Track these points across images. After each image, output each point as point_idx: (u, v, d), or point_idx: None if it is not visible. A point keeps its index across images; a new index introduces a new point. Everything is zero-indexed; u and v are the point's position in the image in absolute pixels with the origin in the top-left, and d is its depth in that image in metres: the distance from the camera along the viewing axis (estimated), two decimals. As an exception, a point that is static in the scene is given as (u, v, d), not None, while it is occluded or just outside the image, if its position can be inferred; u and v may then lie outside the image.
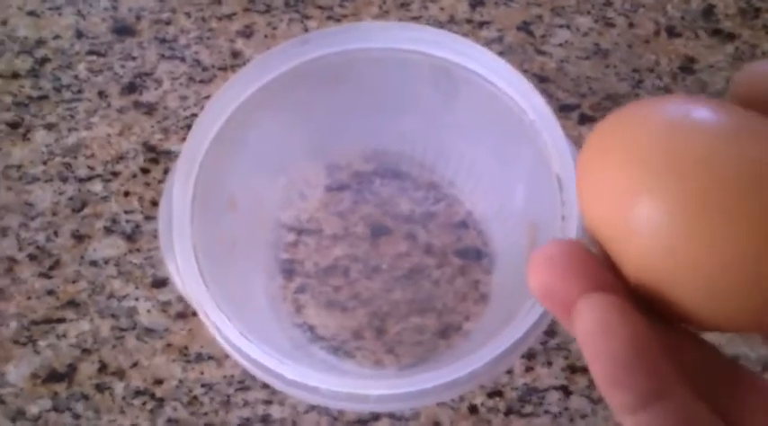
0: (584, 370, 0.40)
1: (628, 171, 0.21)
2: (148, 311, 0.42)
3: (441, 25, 0.47)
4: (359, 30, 0.38)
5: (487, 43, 0.47)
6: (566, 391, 0.40)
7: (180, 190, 0.34)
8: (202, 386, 0.40)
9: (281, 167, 0.42)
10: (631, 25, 0.47)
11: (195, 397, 0.40)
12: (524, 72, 0.46)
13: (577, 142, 0.44)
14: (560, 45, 0.47)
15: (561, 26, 0.47)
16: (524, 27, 0.47)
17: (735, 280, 0.20)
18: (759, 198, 0.20)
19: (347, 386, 0.31)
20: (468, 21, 0.47)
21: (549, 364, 0.40)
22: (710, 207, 0.20)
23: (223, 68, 0.47)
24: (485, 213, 0.42)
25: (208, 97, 0.46)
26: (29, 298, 0.42)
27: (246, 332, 0.32)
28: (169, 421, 0.40)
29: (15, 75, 0.48)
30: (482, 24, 0.47)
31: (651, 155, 0.21)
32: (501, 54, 0.46)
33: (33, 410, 0.40)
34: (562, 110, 0.45)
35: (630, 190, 0.21)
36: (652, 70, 0.46)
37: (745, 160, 0.20)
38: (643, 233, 0.21)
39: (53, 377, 0.41)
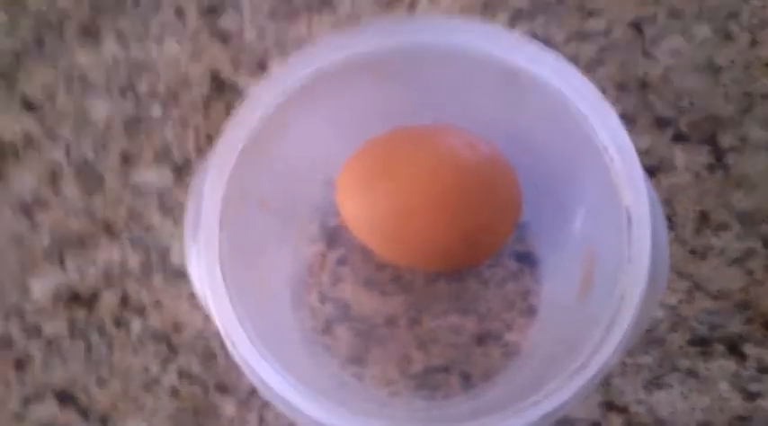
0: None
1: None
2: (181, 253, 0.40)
3: (548, 7, 0.43)
4: (416, 23, 0.35)
5: (592, 35, 0.43)
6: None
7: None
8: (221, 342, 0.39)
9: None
10: (754, 43, 0.43)
11: (212, 353, 0.38)
12: (624, 74, 0.42)
13: (667, 163, 0.41)
14: (670, 51, 0.43)
15: (675, 31, 0.43)
16: (636, 24, 0.43)
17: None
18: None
19: None
20: (579, 7, 0.43)
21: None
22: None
23: (308, 8, 0.44)
24: (541, 229, 0.39)
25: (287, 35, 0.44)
26: (66, 214, 0.41)
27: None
28: (180, 373, 0.38)
29: (94, -22, 0.45)
30: (591, 13, 0.43)
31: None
32: (603, 50, 0.43)
33: (48, 330, 0.39)
34: (657, 123, 0.42)
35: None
36: (766, 97, 0.42)
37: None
38: None
39: (75, 300, 0.40)
